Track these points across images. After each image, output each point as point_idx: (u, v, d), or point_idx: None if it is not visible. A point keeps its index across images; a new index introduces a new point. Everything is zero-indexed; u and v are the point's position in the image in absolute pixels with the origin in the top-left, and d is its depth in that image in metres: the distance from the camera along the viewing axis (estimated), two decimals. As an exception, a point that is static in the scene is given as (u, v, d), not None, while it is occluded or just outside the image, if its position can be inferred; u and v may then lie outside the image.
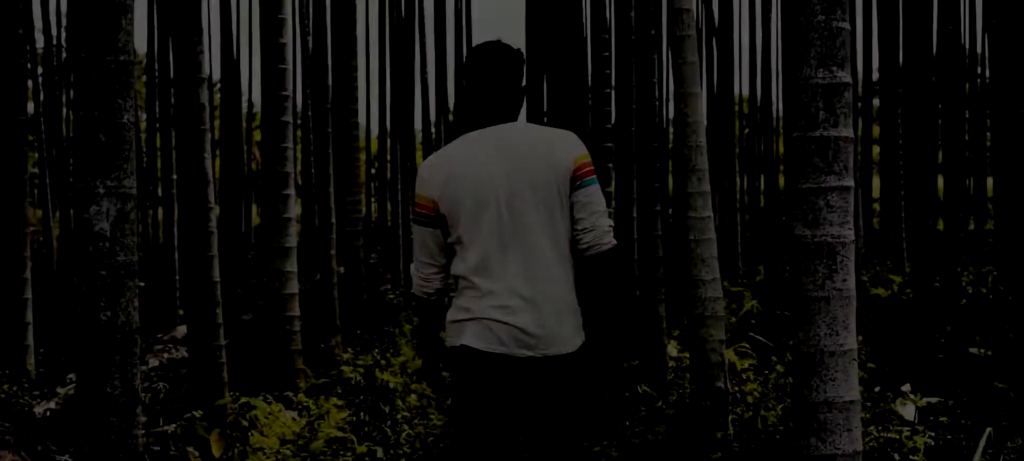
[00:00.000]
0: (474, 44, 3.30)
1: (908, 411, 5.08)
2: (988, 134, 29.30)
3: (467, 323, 3.19)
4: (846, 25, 3.59)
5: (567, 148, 3.19)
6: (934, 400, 5.54)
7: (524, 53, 3.38)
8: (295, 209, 7.70)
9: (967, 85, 24.05)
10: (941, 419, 5.81)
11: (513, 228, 3.13)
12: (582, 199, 3.17)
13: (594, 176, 3.21)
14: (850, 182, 3.58)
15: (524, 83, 3.33)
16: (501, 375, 3.15)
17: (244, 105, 27.47)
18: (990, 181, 29.69)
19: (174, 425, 5.62)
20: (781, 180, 32.70)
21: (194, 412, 5.27)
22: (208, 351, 6.22)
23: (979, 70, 25.96)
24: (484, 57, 3.24)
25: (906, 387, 5.19)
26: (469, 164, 3.19)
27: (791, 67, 3.62)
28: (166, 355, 9.77)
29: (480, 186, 3.14)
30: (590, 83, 11.23)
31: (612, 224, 3.20)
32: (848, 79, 3.58)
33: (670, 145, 23.77)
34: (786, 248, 20.68)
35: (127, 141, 3.63)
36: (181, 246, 6.23)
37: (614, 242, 3.18)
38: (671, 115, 22.92)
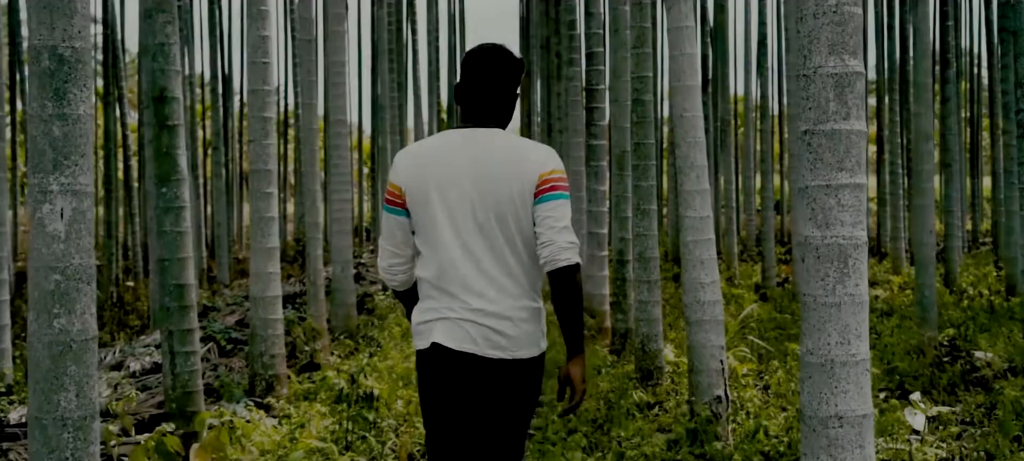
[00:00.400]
0: (470, 42, 3.23)
1: (917, 421, 4.83)
2: (985, 133, 29.16)
3: (436, 322, 3.19)
4: (858, 10, 3.34)
5: (537, 161, 3.16)
6: (944, 410, 5.28)
7: (524, 63, 3.29)
8: (277, 208, 7.43)
9: (965, 84, 23.86)
10: (951, 429, 5.55)
11: (478, 233, 3.15)
12: (542, 213, 3.14)
13: (562, 192, 3.16)
14: (863, 179, 3.33)
15: (518, 91, 3.29)
16: (470, 374, 3.16)
17: (236, 103, 27.18)
18: (987, 181, 29.53)
19: (146, 436, 5.34)
20: (776, 178, 32.50)
21: (166, 424, 4.99)
22: (182, 358, 5.93)
23: (975, 70, 25.78)
24: (484, 59, 3.22)
25: (915, 396, 4.93)
26: (440, 163, 3.18)
27: (799, 56, 3.37)
28: (148, 358, 9.47)
29: (446, 188, 3.16)
30: (584, 80, 10.99)
31: (573, 241, 3.13)
32: (861, 68, 3.33)
33: (665, 142, 23.58)
34: (789, 248, 20.46)
35: (83, 135, 3.35)
36: (156, 247, 5.93)
37: (571, 260, 3.11)
38: (666, 111, 22.70)
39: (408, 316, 3.42)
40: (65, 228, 3.31)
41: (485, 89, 3.21)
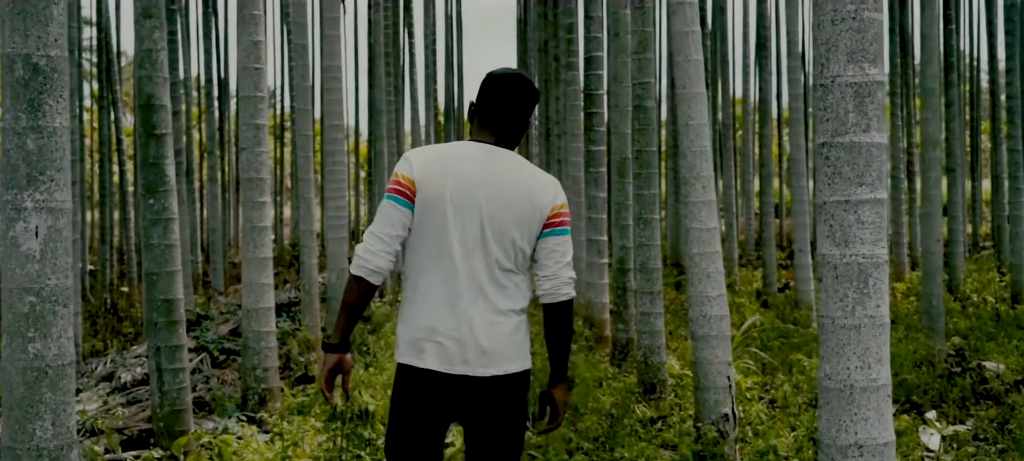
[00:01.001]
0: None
1: (933, 440, 4.65)
2: (983, 137, 29.03)
3: (428, 343, 3.15)
4: (879, 16, 3.17)
5: (550, 193, 3.24)
6: (960, 429, 5.10)
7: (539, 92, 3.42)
8: (271, 218, 7.24)
9: (966, 87, 23.72)
10: (968, 449, 5.37)
11: (480, 247, 3.16)
12: (549, 246, 3.22)
13: (568, 227, 3.27)
14: (883, 194, 3.15)
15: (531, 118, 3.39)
16: (463, 395, 3.16)
17: (233, 106, 26.98)
18: (986, 183, 29.40)
19: (132, 454, 5.16)
20: (776, 181, 32.31)
21: (153, 451, 4.80)
22: (170, 375, 5.74)
23: (971, 73, 25.63)
24: (509, 86, 3.27)
25: (931, 415, 4.75)
26: (459, 172, 3.17)
27: (817, 64, 3.20)
28: (140, 369, 9.28)
29: (461, 196, 3.16)
30: (582, 84, 10.81)
31: (573, 276, 3.24)
32: (882, 77, 3.16)
33: (662, 145, 23.38)
34: (789, 252, 20.29)
35: (59, 149, 3.17)
36: (143, 260, 5.74)
37: (570, 295, 3.23)
38: (664, 116, 22.49)
39: (348, 318, 3.20)
40: (40, 247, 3.13)
41: (507, 113, 3.25)
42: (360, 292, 3.16)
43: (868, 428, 3.15)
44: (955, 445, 5.38)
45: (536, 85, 3.35)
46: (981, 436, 6.03)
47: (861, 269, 3.12)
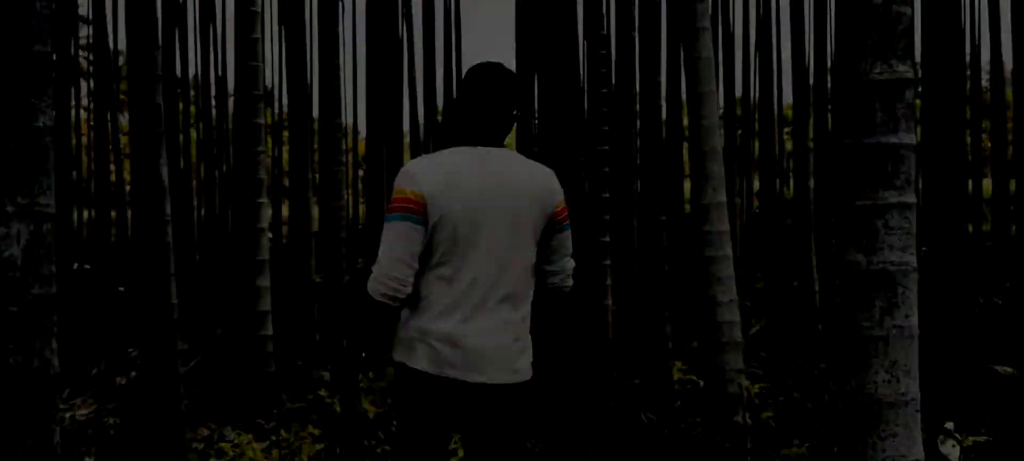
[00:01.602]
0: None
1: (953, 452, 4.49)
2: (984, 136, 28.93)
3: (418, 344, 3.09)
4: (908, 9, 3.01)
5: (553, 189, 3.22)
6: (982, 439, 4.94)
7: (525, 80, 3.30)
8: (267, 219, 7.09)
9: (968, 87, 23.61)
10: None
11: (493, 254, 3.09)
12: (557, 243, 3.26)
13: (569, 221, 3.31)
14: (912, 198, 2.99)
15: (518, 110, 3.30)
16: (450, 397, 3.11)
17: (230, 105, 26.82)
18: (986, 182, 29.30)
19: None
20: (777, 182, 32.23)
21: (147, 453, 4.64)
22: (164, 383, 5.57)
23: (969, 72, 25.52)
24: (489, 78, 3.20)
25: (950, 425, 4.59)
26: (465, 180, 3.08)
27: (841, 60, 3.04)
28: (134, 373, 9.12)
29: (473, 205, 3.08)
30: (584, 83, 10.64)
31: (574, 264, 3.33)
32: (911, 74, 2.99)
33: (663, 147, 23.24)
34: (794, 262, 20.13)
35: (44, 149, 3.00)
36: (135, 262, 5.58)
37: (572, 283, 3.33)
38: (665, 116, 22.35)
39: (378, 339, 3.15)
40: (22, 254, 2.96)
41: (493, 109, 3.16)
42: (388, 318, 3.10)
43: (896, 445, 2.99)
44: (973, 456, 5.23)
45: (519, 76, 3.31)
46: (1002, 446, 5.87)
47: (889, 277, 2.96)
